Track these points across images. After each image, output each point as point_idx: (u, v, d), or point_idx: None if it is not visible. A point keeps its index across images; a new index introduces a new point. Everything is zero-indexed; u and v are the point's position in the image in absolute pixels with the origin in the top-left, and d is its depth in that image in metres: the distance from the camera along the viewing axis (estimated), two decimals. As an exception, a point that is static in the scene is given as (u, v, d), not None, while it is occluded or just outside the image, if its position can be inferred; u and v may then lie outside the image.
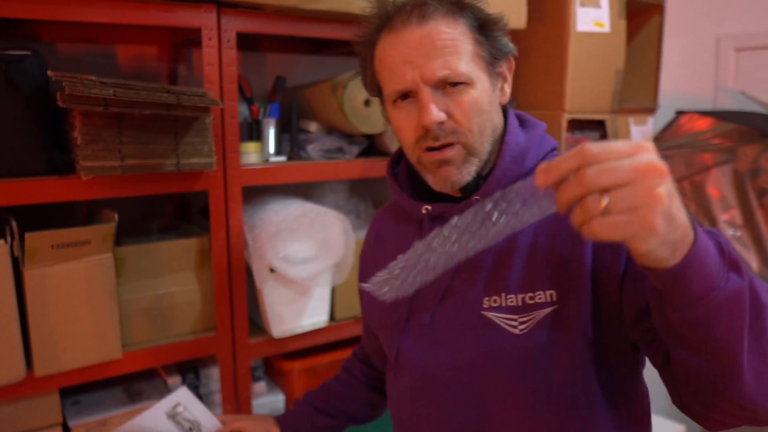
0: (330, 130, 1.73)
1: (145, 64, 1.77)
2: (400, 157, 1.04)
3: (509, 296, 0.83)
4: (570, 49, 1.88)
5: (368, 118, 1.64)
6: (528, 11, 1.83)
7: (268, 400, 1.72)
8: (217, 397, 1.63)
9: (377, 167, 1.74)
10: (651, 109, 2.21)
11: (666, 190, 0.52)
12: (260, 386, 1.72)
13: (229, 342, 1.53)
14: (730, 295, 0.59)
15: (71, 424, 1.41)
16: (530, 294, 0.82)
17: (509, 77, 0.92)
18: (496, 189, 0.69)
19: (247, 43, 1.62)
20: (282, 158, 1.62)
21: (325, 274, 1.62)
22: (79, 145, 1.20)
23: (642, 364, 0.88)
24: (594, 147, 0.54)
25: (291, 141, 1.65)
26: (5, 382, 1.24)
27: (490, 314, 0.84)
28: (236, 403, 1.56)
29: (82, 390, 1.53)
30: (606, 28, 1.92)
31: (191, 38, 1.67)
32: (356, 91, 1.61)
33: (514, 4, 1.79)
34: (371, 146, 1.78)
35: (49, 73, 1.13)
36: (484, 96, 0.85)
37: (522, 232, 0.82)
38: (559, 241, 0.83)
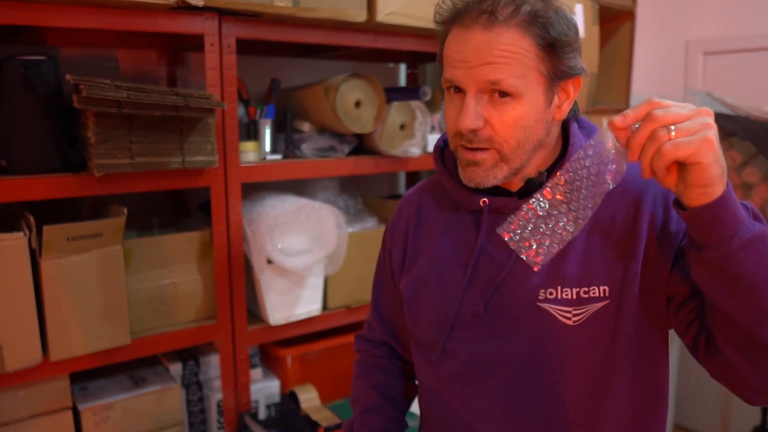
0: (322, 129, 1.82)
1: (144, 67, 1.86)
2: (446, 142, 1.03)
3: (565, 289, 0.88)
4: (547, 54, 1.99)
5: (358, 119, 1.74)
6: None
7: (264, 386, 1.81)
8: (217, 383, 1.72)
9: (366, 165, 1.84)
10: (623, 110, 2.33)
11: (713, 122, 0.70)
12: (257, 372, 1.81)
13: (228, 329, 1.62)
14: (756, 235, 0.72)
15: (81, 407, 1.50)
16: (585, 288, 0.88)
17: (573, 95, 0.91)
18: None
19: (242, 47, 1.72)
20: (278, 156, 1.71)
21: (319, 265, 1.72)
22: (92, 144, 1.29)
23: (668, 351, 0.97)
24: (657, 99, 0.72)
25: (286, 140, 1.74)
26: (23, 366, 1.32)
27: (546, 305, 0.89)
28: (235, 388, 1.65)
29: (89, 376, 1.62)
30: (581, 34, 2.04)
31: (189, 43, 1.76)
32: (347, 94, 1.71)
33: (494, 11, 1.90)
34: (360, 145, 1.88)
35: (68, 76, 1.22)
36: (532, 112, 0.85)
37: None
38: (613, 240, 0.89)
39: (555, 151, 0.95)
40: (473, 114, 0.84)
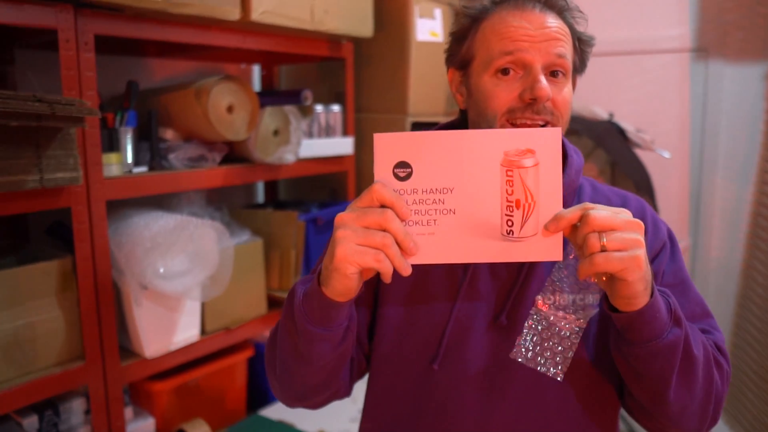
0: (188, 137, 1.66)
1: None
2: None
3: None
4: (411, 58, 2.02)
5: (232, 125, 1.61)
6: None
7: (137, 426, 1.61)
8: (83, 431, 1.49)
9: (240, 174, 1.72)
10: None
11: (641, 238, 0.72)
12: (128, 412, 1.60)
13: (99, 370, 1.41)
14: (667, 345, 0.77)
15: None
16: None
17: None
18: (565, 195, 0.87)
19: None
20: (143, 168, 1.52)
21: (197, 288, 1.56)
22: (-75, 163, 1.04)
23: None
24: (592, 204, 0.73)
25: (151, 150, 1.56)
26: None
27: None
28: (108, 434, 1.44)
29: None
30: (440, 37, 2.09)
31: (23, 39, 1.50)
32: (220, 98, 1.58)
33: (361, 13, 1.87)
34: (231, 153, 1.75)
35: None
36: (571, 96, 0.91)
37: None
38: None
39: None
40: (547, 83, 0.85)
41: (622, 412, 0.96)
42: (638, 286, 0.72)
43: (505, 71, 0.87)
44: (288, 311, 0.86)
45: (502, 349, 0.91)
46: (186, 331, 1.59)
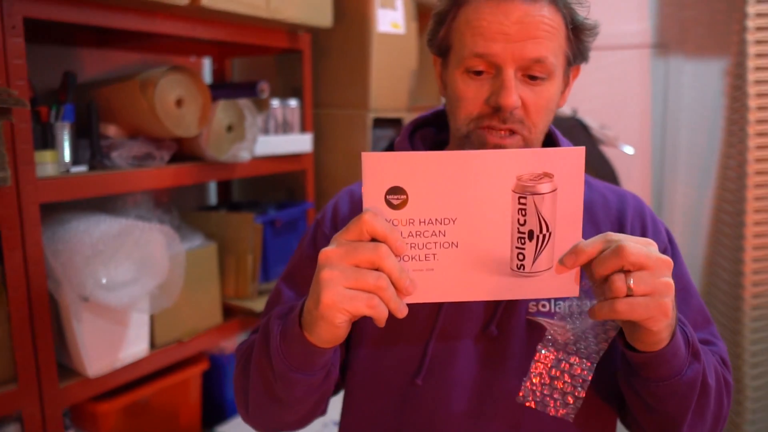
0: (133, 133, 1.52)
1: None
2: (413, 131, 0.94)
3: (558, 302, 0.84)
4: (373, 50, 1.92)
5: (182, 120, 1.49)
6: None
7: (80, 452, 1.47)
8: (17, 462, 1.34)
9: (190, 173, 1.59)
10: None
11: (671, 281, 0.64)
12: (69, 438, 1.45)
13: (35, 393, 1.26)
14: (686, 382, 0.71)
15: None
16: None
17: (571, 84, 0.88)
18: None
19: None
20: (83, 168, 1.38)
21: (146, 298, 1.43)
22: None
23: None
24: (616, 234, 0.65)
25: (92, 147, 1.41)
26: None
27: (539, 318, 0.84)
28: (46, 463, 1.29)
29: None
30: (401, 29, 2.00)
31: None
32: (168, 90, 1.45)
33: (319, 1, 1.77)
34: (180, 151, 1.61)
35: None
36: (555, 96, 0.82)
37: None
38: None
39: None
40: (516, 91, 0.76)
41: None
42: (663, 334, 0.66)
43: (476, 72, 0.79)
44: (263, 348, 0.76)
45: (492, 362, 0.83)
46: (133, 346, 1.46)
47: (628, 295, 0.62)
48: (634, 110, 2.55)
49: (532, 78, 0.78)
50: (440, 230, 0.64)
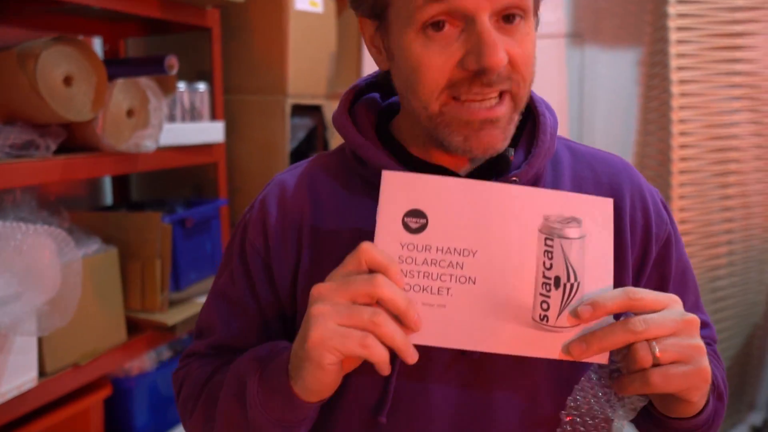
0: (10, 118, 1.26)
1: None
2: (353, 100, 0.76)
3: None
4: (290, 29, 1.74)
5: (71, 101, 1.25)
6: (244, -18, 1.63)
7: None
8: None
9: (83, 166, 1.36)
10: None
11: (701, 342, 0.58)
12: (-64, 494, 1.18)
13: None
14: (704, 420, 0.65)
15: None
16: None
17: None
18: (539, 170, 0.69)
19: None
20: (-56, 159, 1.12)
21: (32, 317, 1.18)
22: None
23: None
24: (639, 292, 0.57)
25: (-44, 134, 1.15)
26: None
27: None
28: None
29: None
30: (319, 8, 1.84)
31: None
32: (53, 65, 1.21)
33: (230, -28, 1.57)
34: (70, 139, 1.37)
35: None
36: (536, 38, 0.65)
37: None
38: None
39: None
40: (500, 45, 0.59)
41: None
42: (701, 402, 0.61)
43: (436, 25, 0.60)
44: (234, 391, 0.65)
45: (474, 389, 0.68)
46: (18, 376, 1.21)
47: (655, 365, 0.56)
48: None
49: (507, 20, 0.62)
50: (458, 262, 0.59)
